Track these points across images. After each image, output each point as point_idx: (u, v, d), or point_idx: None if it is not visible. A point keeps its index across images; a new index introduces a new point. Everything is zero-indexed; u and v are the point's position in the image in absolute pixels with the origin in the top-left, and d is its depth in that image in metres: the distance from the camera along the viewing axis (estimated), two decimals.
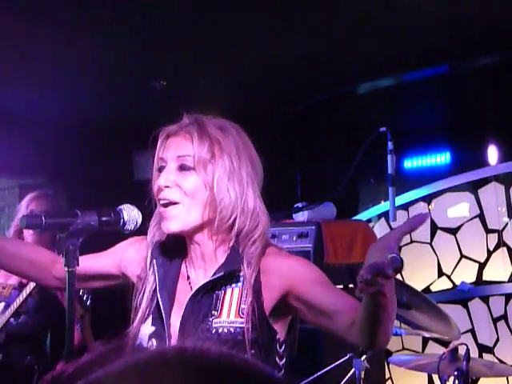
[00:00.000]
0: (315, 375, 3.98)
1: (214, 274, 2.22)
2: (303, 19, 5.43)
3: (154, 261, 2.27)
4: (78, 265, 2.05)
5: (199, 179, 2.18)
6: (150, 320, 2.25)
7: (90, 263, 2.34)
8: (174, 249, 2.31)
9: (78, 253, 2.05)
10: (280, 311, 2.23)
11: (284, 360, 2.27)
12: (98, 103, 7.46)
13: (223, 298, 2.21)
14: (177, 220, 2.18)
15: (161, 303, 2.23)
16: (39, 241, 4.97)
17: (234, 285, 2.22)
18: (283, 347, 2.27)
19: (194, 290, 2.23)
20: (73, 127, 7.79)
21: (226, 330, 2.17)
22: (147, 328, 2.25)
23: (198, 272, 2.28)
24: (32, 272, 2.44)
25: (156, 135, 2.26)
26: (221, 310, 2.20)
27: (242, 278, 2.21)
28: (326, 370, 3.95)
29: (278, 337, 2.24)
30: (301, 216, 5.06)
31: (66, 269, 2.06)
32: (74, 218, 2.07)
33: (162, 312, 2.22)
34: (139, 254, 2.34)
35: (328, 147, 7.84)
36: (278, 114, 7.92)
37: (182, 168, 2.19)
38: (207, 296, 2.22)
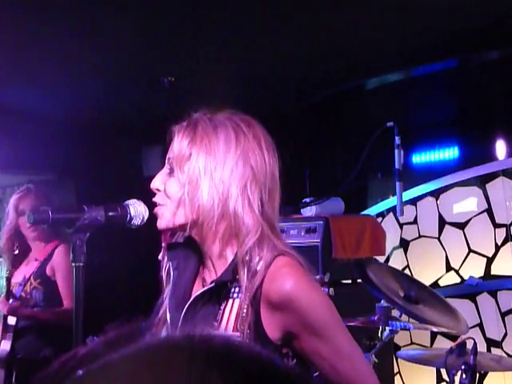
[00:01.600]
0: None
1: (210, 283, 2.13)
2: (311, 15, 5.43)
3: (170, 263, 2.23)
4: (84, 259, 2.06)
5: (178, 180, 2.12)
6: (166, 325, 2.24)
7: None
8: (192, 250, 2.24)
9: (84, 248, 2.06)
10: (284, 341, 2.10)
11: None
12: (106, 99, 7.48)
13: (224, 309, 2.11)
14: (162, 218, 2.15)
15: (167, 309, 2.21)
16: (39, 236, 5.02)
17: (235, 295, 2.11)
18: (295, 360, 2.11)
19: (190, 299, 2.16)
20: (82, 123, 7.82)
21: None
22: (163, 332, 2.22)
23: (211, 274, 2.20)
24: None
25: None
26: (220, 321, 2.10)
27: (242, 289, 2.08)
28: None
29: (284, 351, 2.09)
30: (309, 211, 5.07)
31: (74, 264, 2.07)
32: (81, 213, 2.07)
33: (168, 319, 2.20)
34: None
35: (336, 142, 7.85)
36: (286, 109, 7.93)
37: (170, 171, 2.15)
38: (212, 304, 2.13)
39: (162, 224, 2.17)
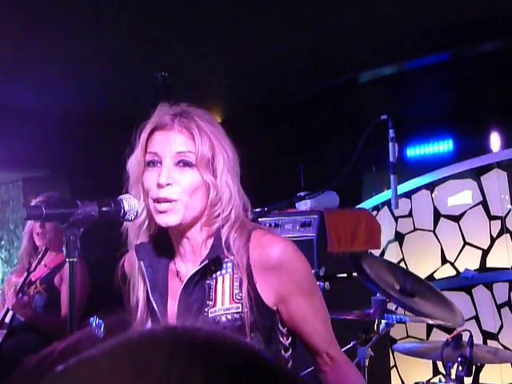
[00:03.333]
0: None
1: (200, 263, 2.21)
2: (304, 9, 5.43)
3: (142, 263, 2.26)
4: (78, 255, 2.05)
5: (199, 176, 2.16)
6: (149, 322, 2.26)
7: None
8: (160, 247, 2.29)
9: (78, 243, 2.05)
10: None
11: (290, 339, 2.29)
12: (99, 95, 7.47)
13: (215, 286, 2.21)
14: (176, 214, 2.16)
15: (154, 304, 2.23)
16: (50, 245, 5.00)
17: (223, 271, 2.22)
18: (286, 328, 2.28)
19: (182, 283, 2.23)
20: (75, 120, 7.81)
21: (223, 318, 2.18)
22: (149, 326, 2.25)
23: (187, 266, 2.27)
24: None
25: (141, 127, 2.24)
26: (215, 298, 2.20)
27: (230, 264, 2.21)
28: None
29: (278, 316, 2.25)
30: (303, 205, 5.06)
31: (68, 259, 2.06)
32: (75, 209, 2.06)
33: (157, 313, 2.23)
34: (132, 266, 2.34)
35: (331, 136, 7.85)
36: (280, 104, 7.92)
37: (181, 164, 2.16)
38: (199, 287, 2.22)
39: (175, 220, 2.18)
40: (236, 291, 2.19)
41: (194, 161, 2.15)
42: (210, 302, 2.20)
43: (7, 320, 4.86)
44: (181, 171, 2.16)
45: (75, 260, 2.04)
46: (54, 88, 7.18)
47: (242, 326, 2.16)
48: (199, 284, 2.22)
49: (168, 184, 2.14)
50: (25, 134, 7.54)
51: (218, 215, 2.21)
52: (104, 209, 2.12)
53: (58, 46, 5.95)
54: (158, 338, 0.69)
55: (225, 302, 2.19)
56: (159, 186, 2.15)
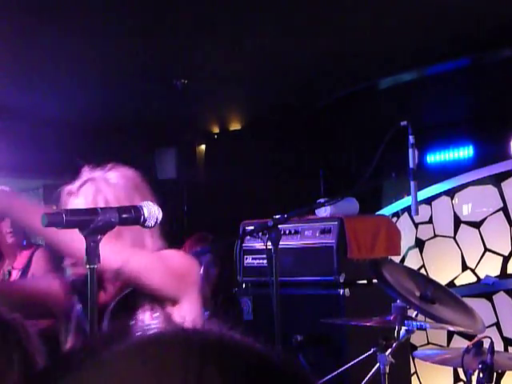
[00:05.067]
0: (340, 370, 3.98)
1: None
2: (325, 15, 5.42)
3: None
4: (99, 261, 2.06)
5: None
6: None
7: None
8: None
9: (98, 250, 2.06)
10: None
11: None
12: (120, 103, 7.49)
13: None
14: None
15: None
16: (15, 243, 5.00)
17: None
18: None
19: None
20: (96, 127, 7.84)
21: None
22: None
23: None
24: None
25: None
26: None
27: None
28: (350, 364, 3.95)
29: None
30: (323, 212, 5.05)
31: (88, 266, 2.07)
32: (95, 216, 2.07)
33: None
34: None
35: (351, 142, 7.84)
36: (300, 110, 7.92)
37: None
38: None
39: None
40: None
41: None
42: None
43: None
44: None
45: (95, 266, 2.05)
46: (75, 97, 7.21)
47: None
48: None
49: None
50: (46, 142, 7.58)
51: None
52: (124, 215, 2.13)
53: (79, 54, 5.98)
54: (171, 339, 0.70)
55: None
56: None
